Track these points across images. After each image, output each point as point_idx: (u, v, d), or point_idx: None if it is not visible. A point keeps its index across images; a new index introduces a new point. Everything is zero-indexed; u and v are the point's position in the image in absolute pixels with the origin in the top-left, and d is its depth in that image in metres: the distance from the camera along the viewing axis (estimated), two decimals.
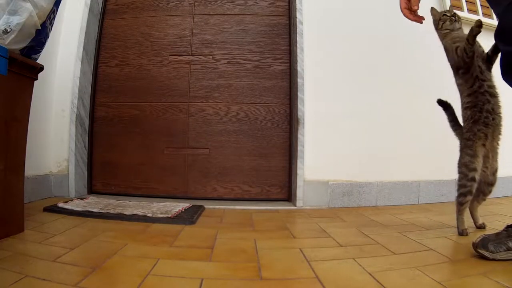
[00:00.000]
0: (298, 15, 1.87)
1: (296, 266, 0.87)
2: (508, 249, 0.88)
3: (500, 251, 0.88)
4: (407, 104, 1.90)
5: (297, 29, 1.86)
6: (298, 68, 1.83)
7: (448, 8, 1.32)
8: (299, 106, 1.81)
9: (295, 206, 1.76)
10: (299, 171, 1.78)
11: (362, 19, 1.91)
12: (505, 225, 0.97)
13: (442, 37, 1.23)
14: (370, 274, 0.79)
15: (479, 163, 1.15)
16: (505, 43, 0.89)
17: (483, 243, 0.90)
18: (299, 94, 1.82)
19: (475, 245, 0.91)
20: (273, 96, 1.96)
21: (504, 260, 0.87)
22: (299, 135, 1.80)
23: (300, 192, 1.77)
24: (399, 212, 1.63)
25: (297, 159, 1.79)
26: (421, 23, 1.15)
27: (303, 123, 1.80)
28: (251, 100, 1.96)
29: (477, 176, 1.15)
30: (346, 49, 1.88)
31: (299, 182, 1.78)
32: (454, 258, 0.92)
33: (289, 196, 1.91)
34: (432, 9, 1.27)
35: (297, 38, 1.85)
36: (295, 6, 1.88)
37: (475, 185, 1.16)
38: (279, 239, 1.13)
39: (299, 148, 1.80)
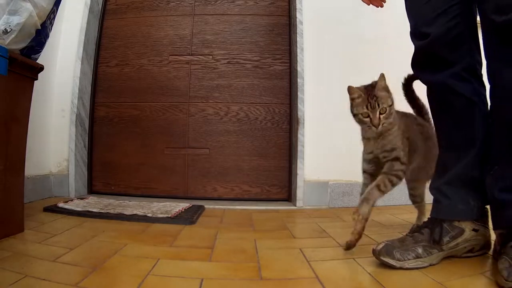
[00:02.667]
0: (298, 15, 1.87)
1: (296, 266, 0.86)
2: (418, 256, 0.82)
3: (409, 259, 0.81)
4: (407, 103, 1.90)
5: (297, 29, 1.86)
6: (298, 68, 1.83)
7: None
8: (299, 106, 1.81)
9: (295, 206, 1.76)
10: (299, 171, 1.78)
11: (362, 20, 1.91)
12: (408, 231, 0.94)
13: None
14: (370, 274, 0.79)
15: None
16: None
17: (387, 250, 0.82)
18: (299, 94, 1.82)
19: (376, 252, 0.83)
20: (273, 96, 1.96)
21: (414, 269, 0.81)
22: (299, 135, 1.80)
23: (300, 192, 1.77)
24: (399, 212, 1.63)
25: (297, 159, 1.79)
26: (382, 6, 1.20)
27: (303, 123, 1.80)
28: (251, 100, 1.96)
29: None
30: (347, 49, 1.88)
31: (299, 182, 1.78)
32: (455, 257, 0.92)
33: (289, 196, 1.91)
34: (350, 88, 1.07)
35: (297, 38, 1.85)
36: (295, 6, 1.88)
37: None
38: (279, 239, 1.13)
39: (299, 148, 1.80)
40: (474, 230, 0.90)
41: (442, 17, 0.88)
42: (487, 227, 0.94)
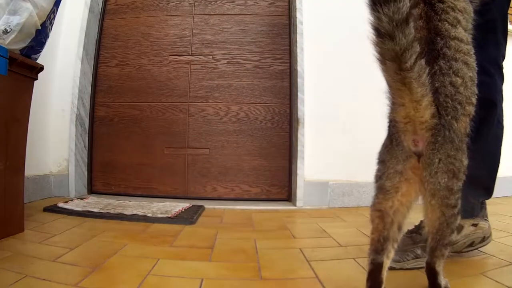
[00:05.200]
0: (298, 15, 1.87)
1: (296, 266, 0.87)
2: (417, 256, 0.82)
3: (408, 259, 0.82)
4: None
5: (297, 29, 1.86)
6: (298, 68, 1.83)
7: None
8: (299, 106, 1.81)
9: (295, 206, 1.76)
10: (299, 171, 1.78)
11: (362, 20, 1.91)
12: (406, 231, 0.93)
13: None
14: None
15: None
16: None
17: None
18: (299, 94, 1.81)
19: None
20: (273, 96, 1.96)
21: (414, 269, 0.82)
22: (299, 135, 1.80)
23: (300, 192, 1.77)
24: None
25: (297, 159, 1.79)
26: None
27: (303, 123, 1.80)
28: (251, 100, 1.96)
29: None
30: (347, 49, 1.88)
31: (299, 182, 1.78)
32: (454, 257, 0.92)
33: (289, 196, 1.91)
34: None
35: (297, 38, 1.85)
36: (295, 6, 1.88)
37: None
38: (279, 239, 1.13)
39: (299, 148, 1.80)
40: (473, 225, 0.90)
41: None
42: (486, 220, 0.93)
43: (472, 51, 0.61)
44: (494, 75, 0.89)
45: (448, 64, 0.57)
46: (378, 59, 0.56)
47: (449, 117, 0.55)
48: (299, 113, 1.81)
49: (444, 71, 0.56)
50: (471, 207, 0.90)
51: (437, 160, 0.55)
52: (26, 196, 1.19)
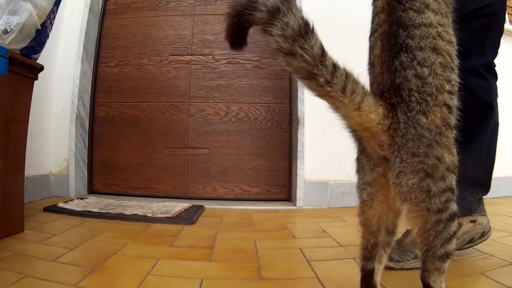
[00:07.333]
0: None
1: (296, 266, 0.87)
2: (416, 256, 0.81)
3: (408, 259, 0.82)
4: None
5: None
6: None
7: None
8: (299, 106, 1.81)
9: (295, 206, 1.76)
10: (299, 171, 1.78)
11: (363, 19, 1.91)
12: (405, 231, 0.89)
13: None
14: None
15: None
16: None
17: None
18: (299, 94, 1.81)
19: None
20: (273, 96, 1.96)
21: (414, 269, 0.80)
22: (299, 135, 1.80)
23: (300, 192, 1.77)
24: None
25: (297, 159, 1.79)
26: None
27: (303, 123, 1.80)
28: (251, 100, 1.96)
29: None
30: (347, 48, 1.87)
31: (299, 182, 1.77)
32: (454, 257, 0.92)
33: (289, 196, 1.91)
34: None
35: None
36: (295, 5, 1.88)
37: None
38: (279, 239, 1.13)
39: (299, 148, 1.80)
40: (471, 221, 0.90)
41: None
42: (484, 215, 0.93)
43: (446, 33, 0.55)
44: (490, 78, 0.90)
45: (411, 55, 0.52)
46: (296, 76, 0.51)
47: (414, 113, 0.50)
48: (299, 113, 1.81)
49: (405, 64, 0.52)
50: (469, 204, 0.90)
51: (398, 160, 0.51)
52: (26, 196, 1.19)
